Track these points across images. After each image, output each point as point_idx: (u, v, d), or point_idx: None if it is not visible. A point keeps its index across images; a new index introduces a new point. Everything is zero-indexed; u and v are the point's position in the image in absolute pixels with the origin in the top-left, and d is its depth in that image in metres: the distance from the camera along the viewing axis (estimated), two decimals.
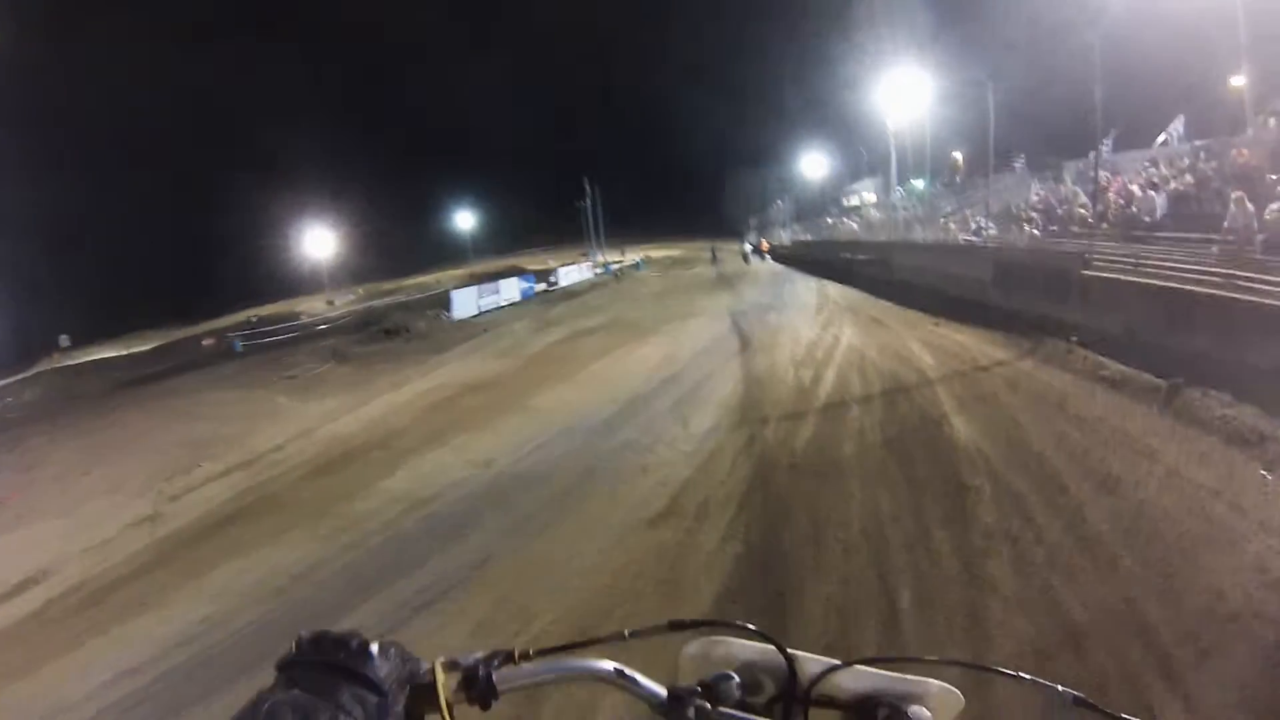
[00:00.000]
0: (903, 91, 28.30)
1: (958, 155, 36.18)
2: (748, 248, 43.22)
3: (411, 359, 16.27)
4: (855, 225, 36.37)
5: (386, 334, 23.59)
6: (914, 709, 0.72)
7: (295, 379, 15.06)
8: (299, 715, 0.56)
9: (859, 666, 0.74)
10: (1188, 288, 9.20)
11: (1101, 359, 8.87)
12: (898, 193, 31.37)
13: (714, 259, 44.37)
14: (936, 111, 28.40)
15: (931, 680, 0.74)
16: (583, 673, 0.73)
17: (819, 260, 31.52)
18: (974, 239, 20.46)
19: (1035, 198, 20.87)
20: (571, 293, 34.70)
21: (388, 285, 69.03)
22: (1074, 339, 9.71)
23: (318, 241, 59.43)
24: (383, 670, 0.62)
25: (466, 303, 27.13)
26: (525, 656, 0.70)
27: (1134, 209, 15.24)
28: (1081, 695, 0.68)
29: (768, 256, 43.68)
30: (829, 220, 41.10)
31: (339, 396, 12.23)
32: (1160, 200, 15.04)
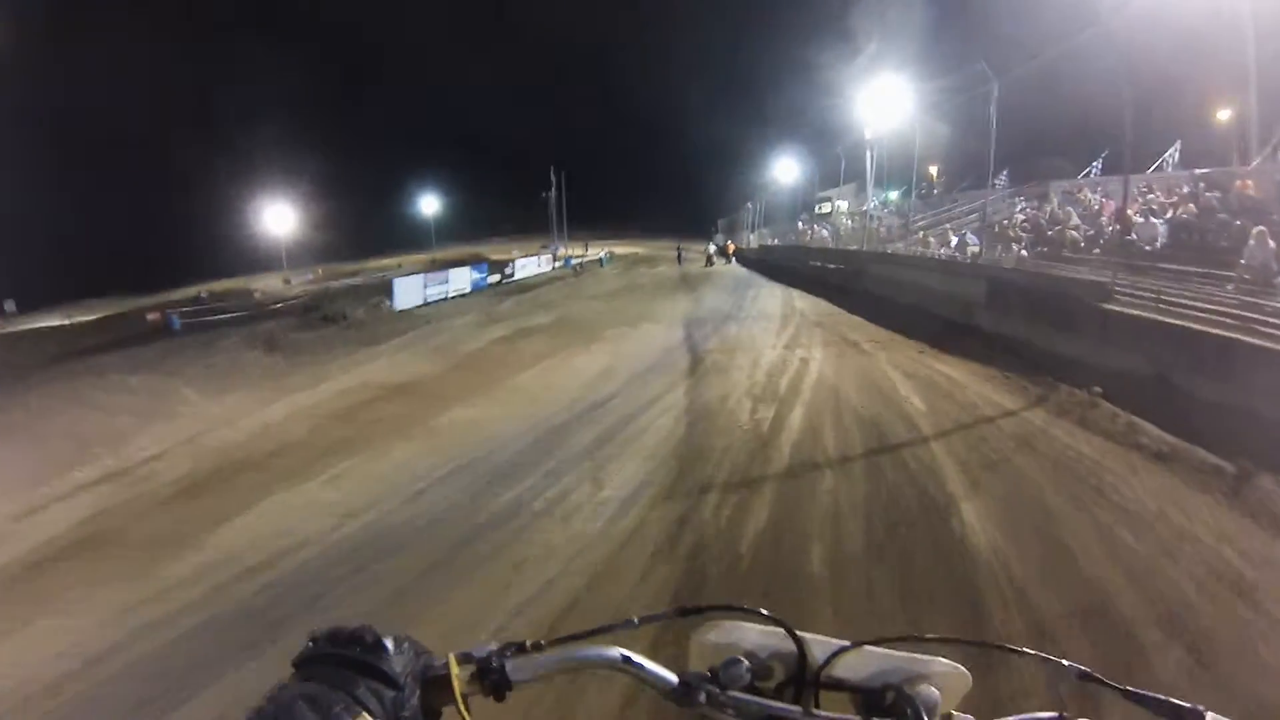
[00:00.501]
0: (882, 100, 26.41)
1: (933, 169, 34.75)
2: (712, 249, 41.22)
3: (341, 351, 14.22)
4: (826, 232, 34.65)
5: (324, 320, 21.54)
6: (923, 689, 0.71)
7: (214, 367, 13.03)
8: (316, 709, 0.56)
9: (868, 647, 0.73)
10: (1228, 334, 7.34)
11: (1135, 419, 6.91)
12: (872, 202, 29.57)
13: (679, 259, 42.58)
14: (914, 122, 26.68)
15: (939, 659, 0.73)
16: (595, 661, 0.72)
17: (787, 267, 29.59)
18: (956, 255, 18.73)
19: (1021, 216, 19.23)
20: (526, 286, 32.24)
21: (348, 267, 66.03)
22: (1096, 388, 7.74)
23: (278, 218, 55.65)
24: (398, 664, 0.63)
25: (411, 292, 24.50)
26: (537, 647, 0.69)
27: (1133, 236, 13.62)
28: (1087, 669, 0.70)
29: (734, 259, 41.77)
30: (800, 226, 39.28)
31: (248, 392, 10.44)
32: (1162, 228, 13.46)
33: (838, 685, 0.73)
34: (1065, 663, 0.70)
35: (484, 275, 30.85)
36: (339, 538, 5.12)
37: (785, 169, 45.10)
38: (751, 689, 0.72)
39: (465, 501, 5.67)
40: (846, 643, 0.73)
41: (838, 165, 34.75)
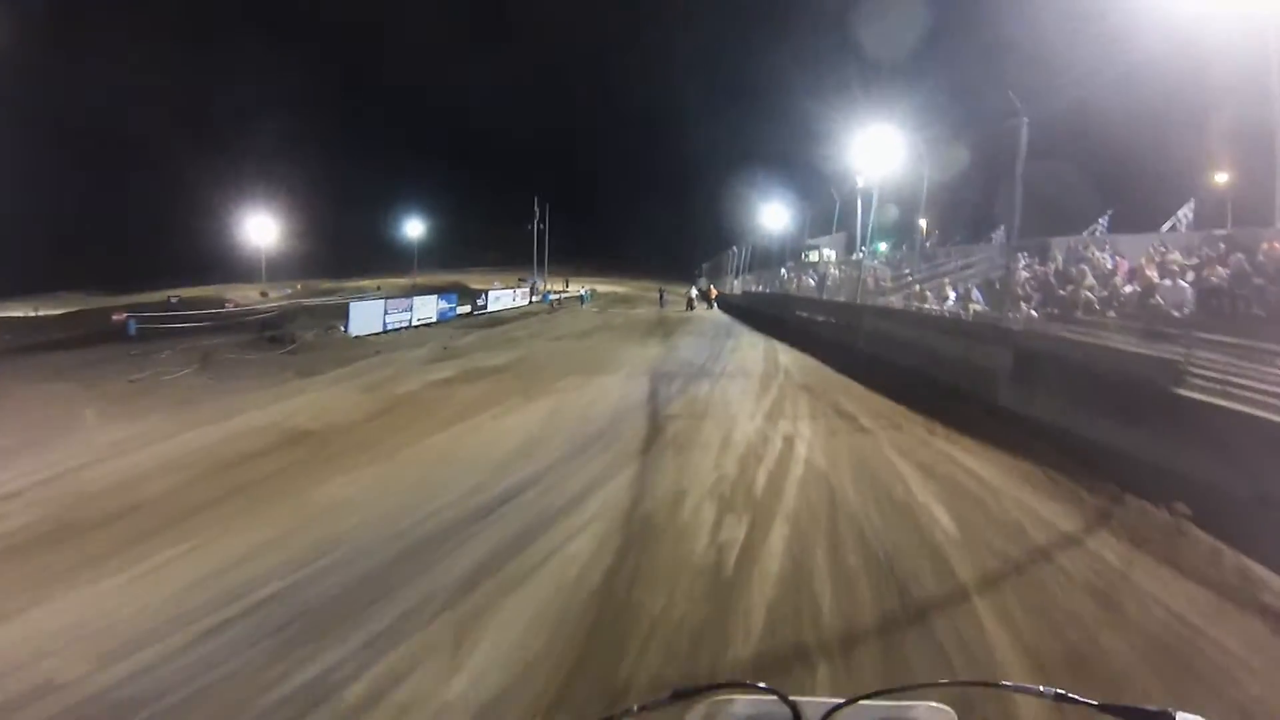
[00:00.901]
0: (876, 149, 24.86)
1: (922, 221, 33.48)
2: (694, 293, 39.52)
3: (274, 379, 12.56)
4: (812, 281, 32.98)
5: (272, 342, 19.70)
6: None
7: (136, 384, 11.93)
8: None
9: (861, 702, 0.76)
10: None
11: (1245, 560, 4.81)
12: (862, 252, 27.91)
13: (660, 301, 40.92)
14: (906, 172, 25.19)
15: (924, 703, 0.77)
16: None
17: (771, 315, 27.74)
18: (959, 312, 16.89)
19: (1026, 274, 17.47)
20: (497, 319, 30.14)
21: (326, 284, 64.15)
22: (1180, 506, 5.63)
23: (260, 229, 53.52)
24: None
25: (369, 319, 22.26)
26: None
27: (1157, 299, 11.80)
28: (1061, 691, 0.75)
29: (715, 305, 40.01)
30: (784, 273, 37.65)
31: (150, 421, 9.16)
32: (1189, 292, 11.66)
33: None
34: (1041, 688, 0.76)
35: (453, 305, 28.72)
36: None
37: (773, 215, 43.65)
38: None
39: (241, 673, 3.40)
40: (840, 700, 0.76)
41: (825, 214, 33.35)
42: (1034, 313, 14.50)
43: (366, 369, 14.35)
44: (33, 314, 40.99)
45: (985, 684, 0.86)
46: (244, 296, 44.89)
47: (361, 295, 37.36)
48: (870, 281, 20.19)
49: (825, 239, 37.89)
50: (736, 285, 46.13)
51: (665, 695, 0.76)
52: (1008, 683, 0.83)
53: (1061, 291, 15.60)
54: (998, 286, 17.36)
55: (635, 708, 0.74)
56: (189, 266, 65.89)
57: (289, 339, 20.18)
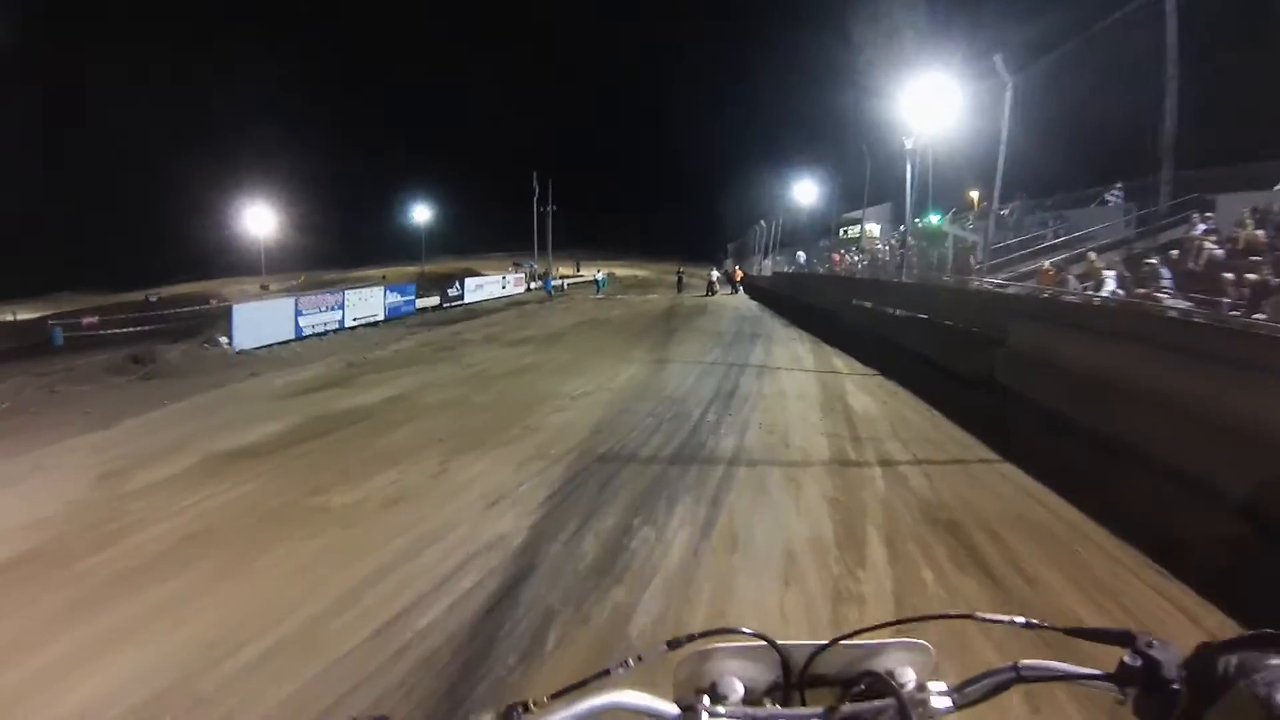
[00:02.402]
0: (927, 103, 17.26)
1: (973, 193, 26.23)
2: (714, 275, 32.38)
3: (74, 426, 7.80)
4: (858, 260, 25.80)
5: (135, 362, 14.20)
6: (895, 668, 0.75)
7: None
8: None
9: (842, 643, 0.76)
10: None
11: None
12: (916, 223, 20.58)
13: (679, 284, 34.12)
14: (955, 136, 17.70)
15: (903, 639, 0.76)
16: (599, 709, 0.70)
17: (810, 305, 20.72)
18: (1104, 295, 9.84)
19: (1213, 245, 10.23)
20: (472, 312, 23.74)
21: (331, 275, 59.18)
22: None
23: (259, 220, 48.12)
24: None
25: (268, 325, 15.99)
26: (539, 704, 0.68)
27: None
28: (1033, 620, 0.74)
29: (740, 288, 32.98)
30: (825, 250, 30.36)
31: None
32: None
33: (820, 682, 0.76)
34: (1012, 618, 0.75)
35: (409, 298, 22.31)
36: None
37: (806, 190, 35.96)
38: (744, 700, 0.74)
39: None
40: (822, 642, 0.76)
41: (862, 186, 26.01)
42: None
43: (186, 414, 8.62)
44: (10, 318, 37.39)
45: (962, 616, 0.74)
46: (241, 291, 41.04)
47: (367, 285, 31.17)
48: (972, 260, 13.10)
49: (867, 211, 30.42)
50: (766, 265, 38.76)
51: (661, 647, 0.75)
52: (983, 614, 0.76)
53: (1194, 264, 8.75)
54: (1147, 264, 10.22)
55: (630, 660, 0.72)
56: (198, 261, 62.47)
57: (148, 359, 14.39)
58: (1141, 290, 9.69)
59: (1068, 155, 15.76)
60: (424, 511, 4.64)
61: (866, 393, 8.35)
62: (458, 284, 25.96)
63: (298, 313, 16.88)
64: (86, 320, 27.79)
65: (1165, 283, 9.29)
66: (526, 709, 0.67)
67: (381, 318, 20.22)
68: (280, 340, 15.99)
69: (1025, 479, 5.36)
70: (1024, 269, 13.12)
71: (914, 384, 8.75)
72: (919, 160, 18.53)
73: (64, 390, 11.46)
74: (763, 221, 40.75)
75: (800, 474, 5.36)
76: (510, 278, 31.93)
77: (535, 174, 41.40)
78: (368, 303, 19.82)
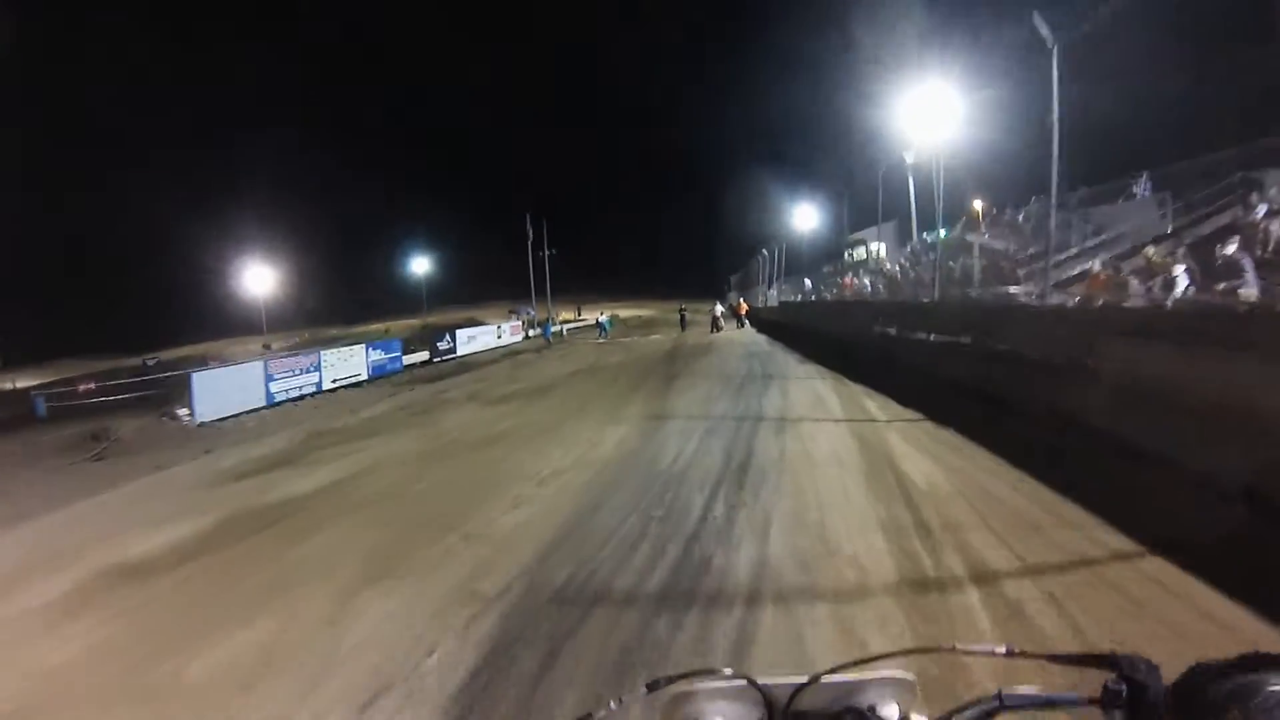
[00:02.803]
0: (926, 114, 15.78)
1: (977, 203, 24.84)
2: (718, 310, 30.85)
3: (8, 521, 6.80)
4: (867, 282, 24.25)
5: (93, 439, 13.00)
6: (878, 703, 0.73)
7: None
8: None
9: (824, 679, 0.74)
10: None
11: None
12: (924, 238, 19.03)
13: (681, 324, 32.68)
14: (954, 147, 16.22)
15: (887, 673, 0.74)
16: None
17: (823, 335, 19.08)
18: (1175, 296, 8.15)
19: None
20: (465, 365, 22.29)
21: (333, 331, 58.60)
22: None
23: (258, 279, 47.38)
24: None
25: (233, 392, 14.60)
26: None
27: None
28: (1014, 648, 0.72)
29: (747, 322, 31.39)
30: (830, 275, 28.83)
31: None
32: None
33: (803, 717, 0.74)
34: (994, 648, 0.73)
35: (394, 355, 20.89)
36: None
37: (806, 216, 34.58)
38: None
39: None
40: (804, 678, 0.73)
41: (862, 207, 24.65)
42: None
43: (107, 508, 7.39)
44: (10, 386, 38.12)
45: (943, 649, 0.70)
46: (245, 351, 39.78)
47: (335, 344, 30.17)
48: (1005, 267, 11.53)
49: (871, 230, 29.00)
50: (772, 295, 37.23)
51: (641, 690, 0.72)
52: (964, 646, 0.73)
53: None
54: (1223, 255, 8.54)
55: (612, 704, 0.71)
56: (207, 321, 62.44)
57: (105, 436, 13.12)
58: (1221, 286, 8.01)
59: (1076, 151, 14.29)
60: (282, 707, 2.96)
61: (919, 449, 6.46)
62: (448, 336, 24.52)
63: (268, 377, 15.46)
64: (83, 387, 26.77)
65: (1249, 275, 7.61)
66: None
67: (365, 377, 18.79)
68: (249, 408, 14.57)
69: (1210, 595, 3.23)
70: (1064, 275, 11.45)
71: (976, 432, 6.84)
72: (930, 171, 17.11)
73: (30, 472, 10.50)
74: (764, 251, 39.41)
75: (857, 613, 3.37)
76: (506, 326, 30.55)
77: (528, 216, 40.40)
78: (348, 362, 18.41)
